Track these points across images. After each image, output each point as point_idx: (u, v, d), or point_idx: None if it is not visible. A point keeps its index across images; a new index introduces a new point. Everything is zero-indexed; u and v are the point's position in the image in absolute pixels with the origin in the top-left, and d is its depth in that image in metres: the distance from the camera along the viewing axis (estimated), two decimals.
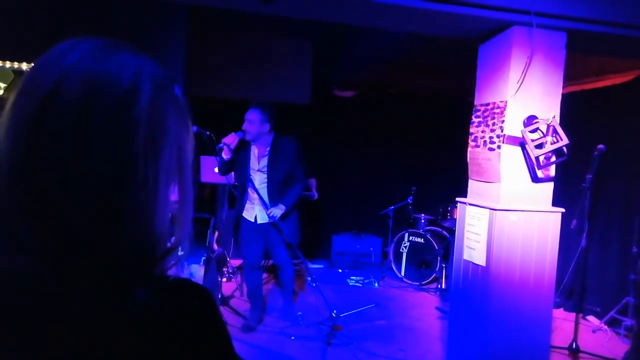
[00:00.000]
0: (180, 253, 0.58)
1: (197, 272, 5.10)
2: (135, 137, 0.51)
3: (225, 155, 3.76)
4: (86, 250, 0.50)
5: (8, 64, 3.78)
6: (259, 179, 3.87)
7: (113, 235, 0.51)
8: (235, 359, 0.59)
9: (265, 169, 3.86)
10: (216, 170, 4.00)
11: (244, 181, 3.88)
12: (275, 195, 3.85)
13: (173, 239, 0.57)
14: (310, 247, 6.18)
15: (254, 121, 3.74)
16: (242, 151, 3.86)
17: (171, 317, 0.52)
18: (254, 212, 3.90)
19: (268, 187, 3.86)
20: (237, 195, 4.07)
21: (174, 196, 0.57)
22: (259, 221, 3.88)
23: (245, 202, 3.93)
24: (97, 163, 0.49)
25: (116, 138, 0.50)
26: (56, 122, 0.49)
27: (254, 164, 3.89)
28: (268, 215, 3.79)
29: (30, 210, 0.49)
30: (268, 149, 3.86)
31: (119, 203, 0.51)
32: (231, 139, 3.71)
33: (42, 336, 0.48)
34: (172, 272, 0.57)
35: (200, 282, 2.43)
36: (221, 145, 3.75)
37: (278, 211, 3.76)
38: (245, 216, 3.92)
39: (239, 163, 3.88)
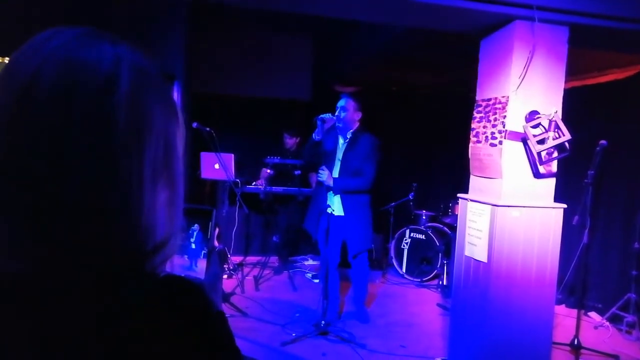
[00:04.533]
0: (171, 248, 0.56)
1: (200, 265, 5.09)
2: (115, 127, 0.49)
3: (316, 135, 3.75)
4: (71, 247, 0.48)
5: (7, 60, 3.77)
6: (335, 168, 3.90)
7: (98, 230, 0.49)
8: (235, 358, 0.57)
9: (341, 157, 3.88)
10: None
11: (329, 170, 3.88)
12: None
13: (164, 233, 0.56)
14: (310, 243, 6.18)
15: (347, 109, 3.84)
16: (330, 139, 3.87)
17: (161, 314, 0.51)
18: (334, 203, 3.87)
19: (339, 175, 3.85)
20: (319, 185, 3.97)
21: (164, 190, 0.55)
22: (335, 213, 3.82)
23: (327, 194, 3.88)
24: (79, 155, 0.48)
25: (97, 128, 0.49)
26: (36, 112, 0.47)
27: (339, 153, 3.90)
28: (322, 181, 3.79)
29: (12, 207, 0.48)
30: (348, 138, 3.88)
31: (103, 197, 0.49)
32: (328, 118, 3.72)
33: (28, 335, 0.47)
34: (164, 268, 0.56)
35: (202, 274, 2.43)
36: (318, 118, 3.74)
37: (325, 175, 3.77)
38: (328, 210, 3.80)
39: (326, 151, 3.86)
